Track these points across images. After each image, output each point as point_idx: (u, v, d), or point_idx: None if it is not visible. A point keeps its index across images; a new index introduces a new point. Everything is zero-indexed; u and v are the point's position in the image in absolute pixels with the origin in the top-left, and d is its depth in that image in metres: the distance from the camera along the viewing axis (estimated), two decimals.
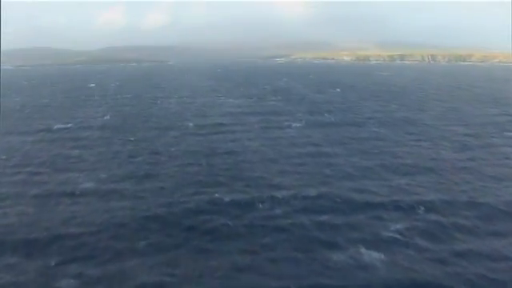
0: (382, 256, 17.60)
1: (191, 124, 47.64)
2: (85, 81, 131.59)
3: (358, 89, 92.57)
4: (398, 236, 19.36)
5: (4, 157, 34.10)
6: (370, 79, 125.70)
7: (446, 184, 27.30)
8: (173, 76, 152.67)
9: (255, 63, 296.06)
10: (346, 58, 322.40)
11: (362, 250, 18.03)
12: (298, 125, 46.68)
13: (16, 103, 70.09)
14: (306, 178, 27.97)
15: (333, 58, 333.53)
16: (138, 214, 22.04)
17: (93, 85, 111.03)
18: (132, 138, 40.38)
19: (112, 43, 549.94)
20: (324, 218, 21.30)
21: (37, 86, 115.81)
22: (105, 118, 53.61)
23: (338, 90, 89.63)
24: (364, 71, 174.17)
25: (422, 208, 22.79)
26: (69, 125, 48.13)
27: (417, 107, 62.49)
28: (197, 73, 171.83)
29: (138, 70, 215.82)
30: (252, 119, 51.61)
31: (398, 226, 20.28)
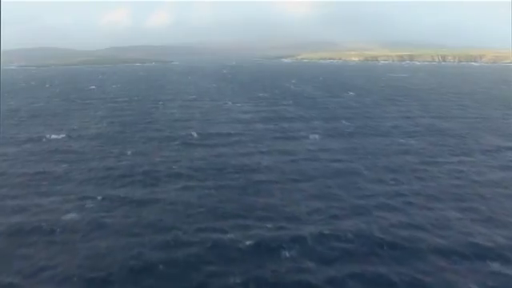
0: None
1: (195, 134, 42.66)
2: (86, 82, 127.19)
3: (373, 92, 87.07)
4: None
5: None
6: (382, 81, 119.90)
7: (504, 217, 22.34)
8: (176, 77, 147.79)
9: (261, 63, 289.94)
10: (354, 59, 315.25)
11: None
12: (316, 135, 41.57)
13: (9, 107, 65.55)
14: (336, 207, 22.97)
15: (340, 59, 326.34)
16: (128, 262, 17.14)
17: (93, 87, 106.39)
18: (129, 152, 35.48)
19: (117, 43, 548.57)
20: (371, 271, 16.31)
21: (35, 87, 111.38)
22: (101, 125, 48.86)
23: (352, 93, 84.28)
24: (374, 72, 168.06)
25: (490, 256, 17.85)
26: (60, 133, 43.37)
27: (441, 114, 57.16)
28: (201, 74, 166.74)
29: (141, 70, 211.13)
30: (263, 127, 46.70)
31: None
